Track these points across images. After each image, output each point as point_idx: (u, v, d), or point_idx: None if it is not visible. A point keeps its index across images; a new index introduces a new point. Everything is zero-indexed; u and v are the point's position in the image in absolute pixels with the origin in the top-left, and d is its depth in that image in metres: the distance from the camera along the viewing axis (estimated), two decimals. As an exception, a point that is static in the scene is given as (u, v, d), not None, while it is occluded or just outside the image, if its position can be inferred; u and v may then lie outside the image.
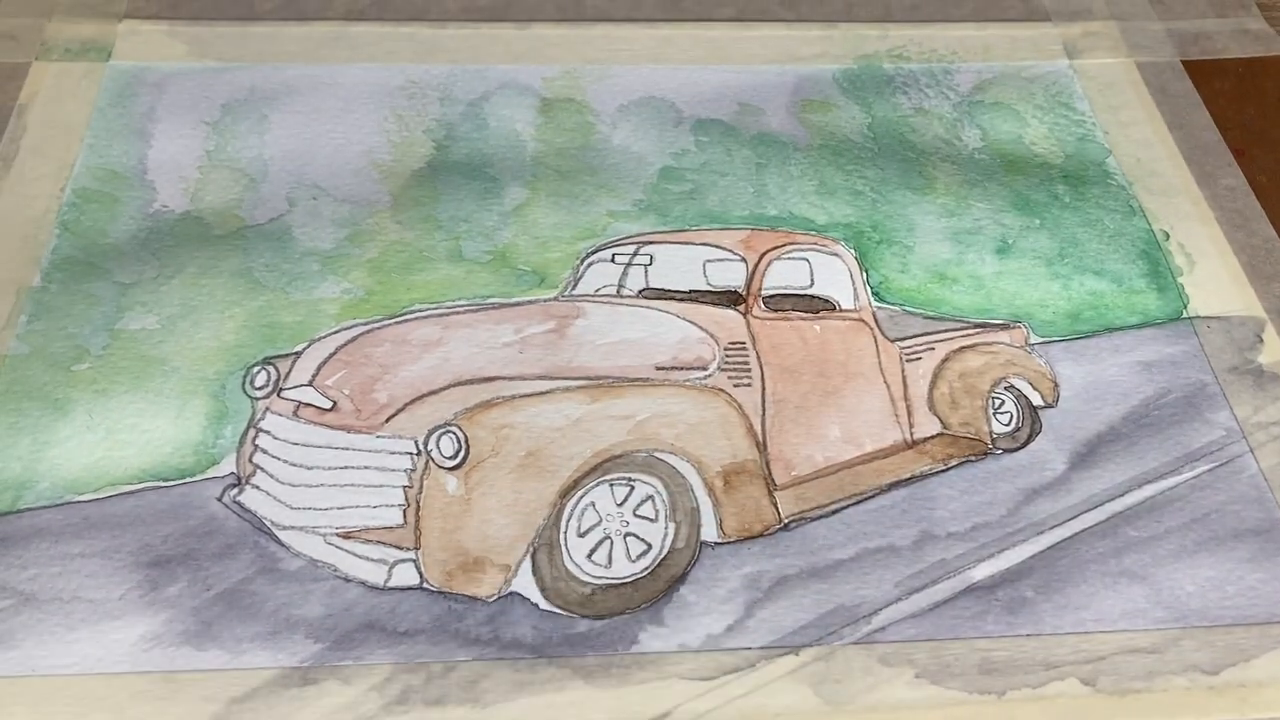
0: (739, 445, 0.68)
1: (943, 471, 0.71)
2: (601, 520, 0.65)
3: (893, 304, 0.79)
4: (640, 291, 0.77)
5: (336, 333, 0.73)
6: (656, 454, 0.66)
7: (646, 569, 0.64)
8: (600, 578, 0.64)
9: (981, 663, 0.62)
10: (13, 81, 0.89)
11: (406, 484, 0.64)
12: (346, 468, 0.65)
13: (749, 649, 0.61)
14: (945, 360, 0.76)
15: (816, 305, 0.76)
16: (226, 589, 0.62)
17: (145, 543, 0.64)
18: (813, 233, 0.82)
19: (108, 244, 0.79)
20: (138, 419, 0.69)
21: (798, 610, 0.63)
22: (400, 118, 0.89)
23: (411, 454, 0.64)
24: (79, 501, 0.65)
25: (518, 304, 0.76)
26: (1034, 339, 0.78)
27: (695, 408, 0.68)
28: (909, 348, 0.75)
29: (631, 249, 0.80)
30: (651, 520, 0.66)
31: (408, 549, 0.63)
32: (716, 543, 0.66)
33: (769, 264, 0.77)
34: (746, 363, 0.71)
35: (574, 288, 0.78)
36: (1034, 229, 0.84)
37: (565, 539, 0.64)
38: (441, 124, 0.89)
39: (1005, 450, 0.72)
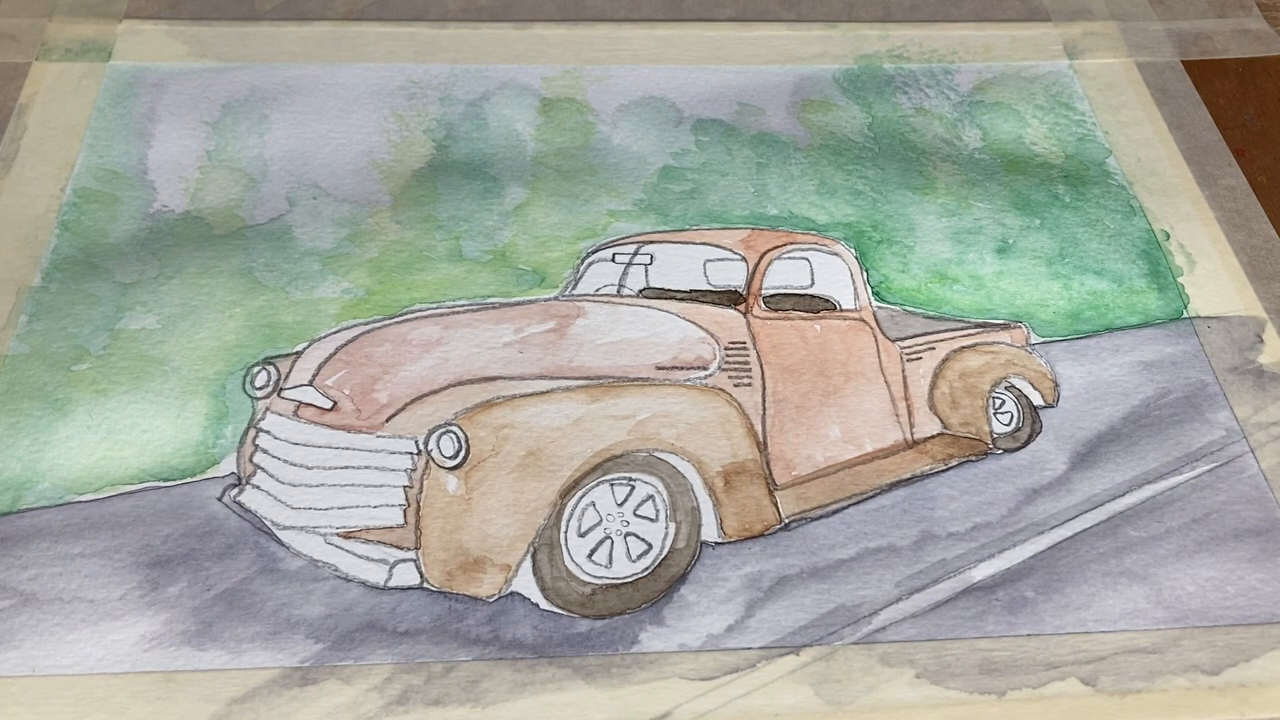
0: (739, 445, 0.68)
1: (943, 471, 0.71)
2: (602, 520, 0.65)
3: (893, 303, 0.79)
4: (640, 291, 0.77)
5: (337, 332, 0.73)
6: (657, 454, 0.66)
7: (647, 569, 0.64)
8: (601, 577, 0.64)
9: (982, 663, 0.62)
10: (13, 81, 0.89)
11: (407, 484, 0.64)
12: (347, 468, 0.65)
13: (749, 649, 0.61)
14: (946, 360, 0.76)
15: (817, 305, 0.76)
16: (227, 589, 0.62)
17: (145, 543, 0.64)
18: (813, 232, 0.82)
19: (108, 244, 0.79)
20: (138, 419, 0.69)
21: (798, 610, 0.63)
22: (400, 118, 0.89)
23: (412, 454, 0.64)
24: (79, 501, 0.65)
25: (518, 304, 0.76)
26: (1034, 339, 0.78)
27: (696, 407, 0.68)
28: (909, 347, 0.75)
29: (632, 248, 0.80)
30: (652, 520, 0.66)
31: (408, 549, 0.63)
32: (717, 542, 0.66)
33: (769, 263, 0.77)
34: (747, 362, 0.71)
35: (574, 287, 0.78)
36: (1034, 229, 0.84)
37: (566, 539, 0.64)
38: (441, 124, 0.89)
39: (1006, 450, 0.72)
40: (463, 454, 0.63)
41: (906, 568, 0.65)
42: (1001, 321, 0.79)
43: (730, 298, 0.75)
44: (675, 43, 0.97)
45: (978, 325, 0.78)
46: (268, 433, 0.68)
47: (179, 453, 0.68)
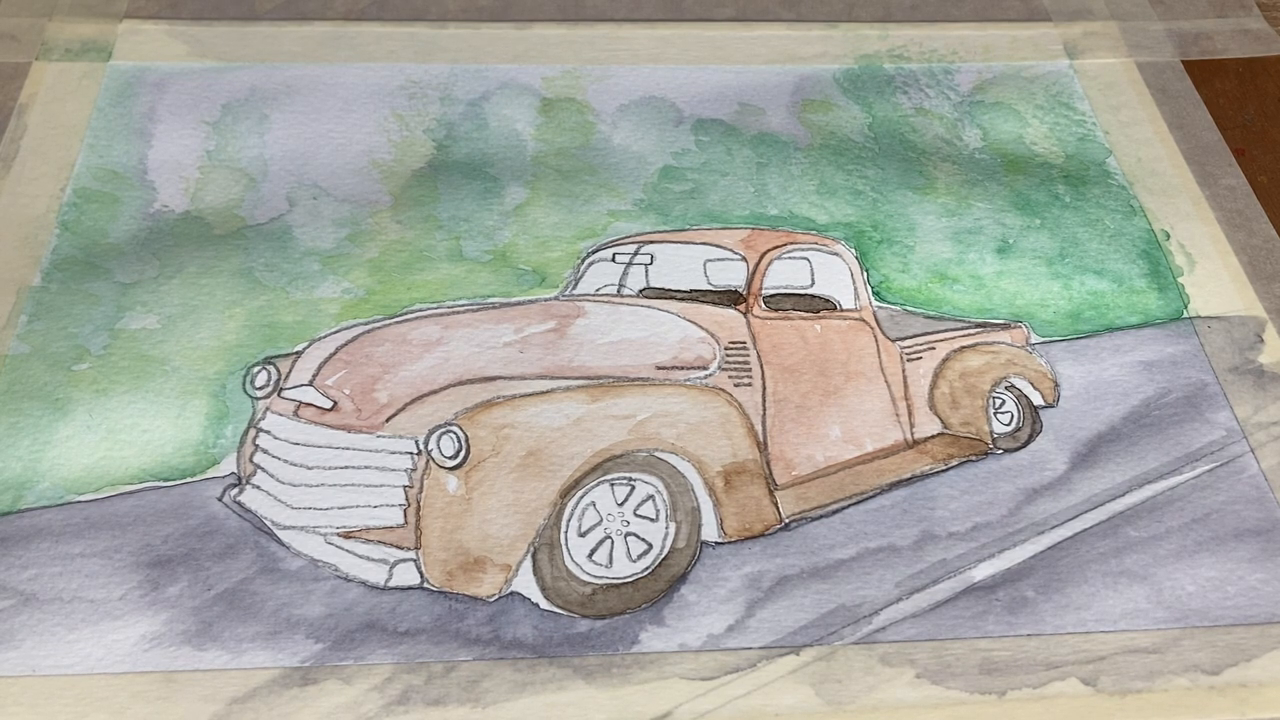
0: (739, 445, 0.68)
1: (943, 471, 0.71)
2: (602, 520, 0.65)
3: (893, 303, 0.79)
4: (641, 291, 0.77)
5: (337, 332, 0.73)
6: (657, 454, 0.66)
7: (647, 569, 0.64)
8: (601, 577, 0.64)
9: (982, 663, 0.62)
10: (13, 81, 0.89)
11: (407, 484, 0.64)
12: (347, 467, 0.65)
13: (750, 649, 0.61)
14: (946, 360, 0.76)
15: (817, 305, 0.76)
16: (227, 589, 0.62)
17: (146, 543, 0.64)
18: (813, 232, 0.82)
19: (108, 244, 0.79)
20: (138, 419, 0.69)
21: (798, 610, 0.63)
22: (400, 118, 0.89)
23: (412, 454, 0.64)
24: (79, 501, 0.65)
25: (518, 303, 0.76)
26: (1034, 339, 0.78)
27: (696, 407, 0.68)
28: (909, 347, 0.75)
29: (632, 248, 0.80)
30: (652, 520, 0.66)
31: (408, 549, 0.63)
32: (717, 542, 0.66)
33: (769, 263, 0.77)
34: (747, 362, 0.71)
35: (574, 287, 0.78)
36: (1034, 229, 0.84)
37: (566, 539, 0.64)
38: (442, 124, 0.89)
39: (1006, 450, 0.72)
40: (463, 454, 0.63)
41: (906, 568, 0.65)
42: (1001, 321, 0.79)
43: (730, 298, 0.75)
44: (675, 43, 0.97)
45: (978, 325, 0.78)
46: (268, 433, 0.68)
47: (179, 453, 0.68)
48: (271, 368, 0.71)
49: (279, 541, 0.64)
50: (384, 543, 0.63)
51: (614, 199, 0.84)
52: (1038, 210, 0.86)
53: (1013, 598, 0.64)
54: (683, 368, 0.70)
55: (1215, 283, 0.81)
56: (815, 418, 0.71)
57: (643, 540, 0.65)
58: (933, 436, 0.73)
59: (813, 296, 0.77)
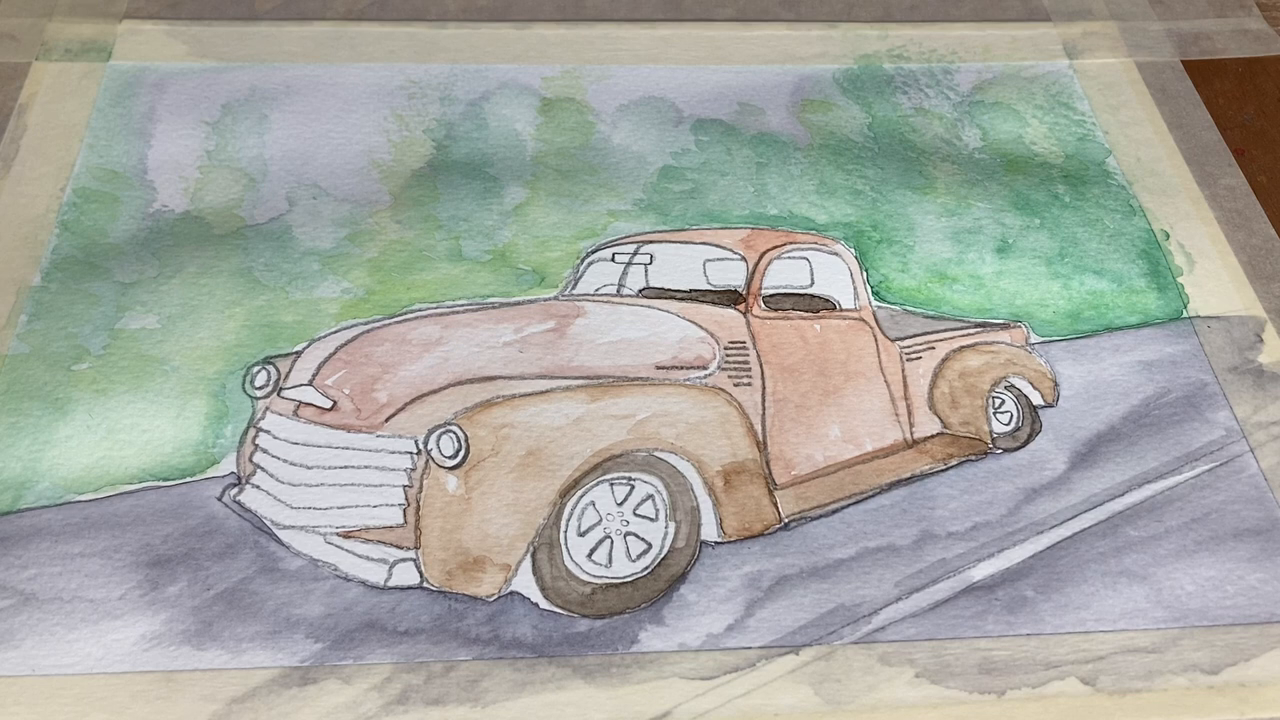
0: (739, 444, 0.68)
1: (943, 471, 0.71)
2: (602, 519, 0.65)
3: (893, 303, 0.79)
4: (640, 291, 0.77)
5: (336, 332, 0.73)
6: (657, 453, 0.66)
7: (647, 568, 0.64)
8: (600, 577, 0.64)
9: (981, 662, 0.62)
10: (13, 81, 0.89)
11: (407, 483, 0.64)
12: (347, 467, 0.65)
13: (749, 648, 0.62)
14: (945, 359, 0.76)
15: (817, 304, 0.76)
16: (226, 589, 0.62)
17: (145, 542, 0.64)
18: (813, 232, 0.82)
19: (108, 244, 0.79)
20: (138, 419, 0.69)
21: (798, 610, 0.63)
22: (400, 118, 0.89)
23: (412, 453, 0.64)
24: (79, 501, 0.65)
25: (518, 303, 0.76)
26: (1034, 338, 0.78)
27: (695, 407, 0.68)
28: (909, 347, 0.75)
29: (632, 248, 0.80)
30: (652, 519, 0.66)
31: (408, 548, 0.63)
32: (717, 542, 0.66)
33: (769, 263, 0.77)
34: (747, 362, 0.71)
35: (574, 287, 0.78)
36: (1034, 228, 0.84)
37: (565, 538, 0.64)
38: (441, 124, 0.89)
39: (1005, 450, 0.72)
40: (463, 454, 0.64)
41: (906, 567, 0.65)
42: (1001, 321, 0.79)
43: (730, 297, 0.75)
44: (675, 43, 0.97)
45: (977, 325, 0.78)
46: (267, 432, 0.68)
47: (179, 452, 0.68)
48: (271, 367, 0.71)
49: (279, 541, 0.64)
50: (384, 542, 0.63)
51: (614, 199, 0.84)
52: (1037, 210, 0.86)
53: (1012, 597, 0.64)
54: (682, 367, 0.70)
55: (1215, 282, 0.81)
56: (815, 417, 0.71)
57: (642, 540, 0.65)
58: (932, 436, 0.73)
59: (812, 296, 0.77)
